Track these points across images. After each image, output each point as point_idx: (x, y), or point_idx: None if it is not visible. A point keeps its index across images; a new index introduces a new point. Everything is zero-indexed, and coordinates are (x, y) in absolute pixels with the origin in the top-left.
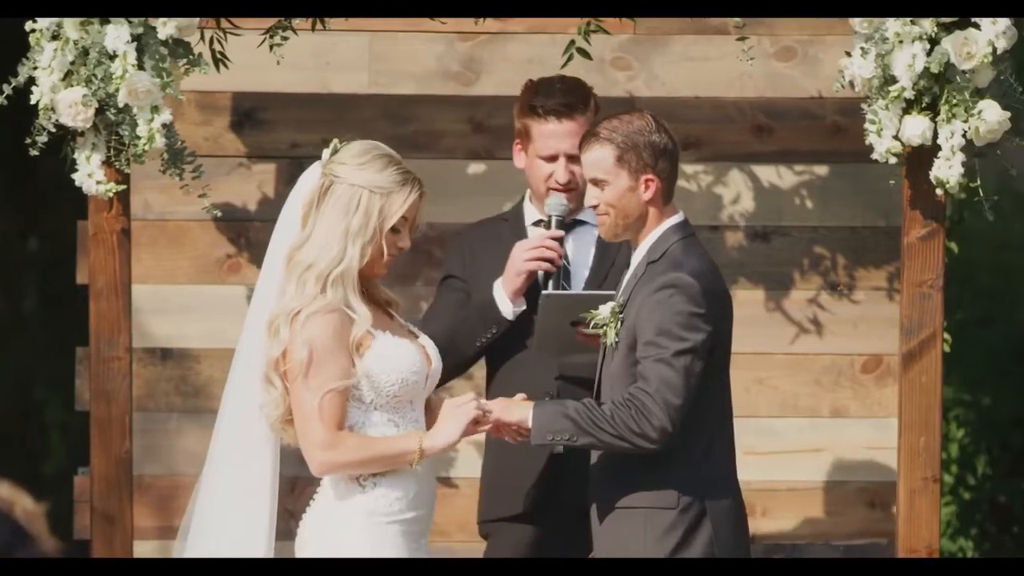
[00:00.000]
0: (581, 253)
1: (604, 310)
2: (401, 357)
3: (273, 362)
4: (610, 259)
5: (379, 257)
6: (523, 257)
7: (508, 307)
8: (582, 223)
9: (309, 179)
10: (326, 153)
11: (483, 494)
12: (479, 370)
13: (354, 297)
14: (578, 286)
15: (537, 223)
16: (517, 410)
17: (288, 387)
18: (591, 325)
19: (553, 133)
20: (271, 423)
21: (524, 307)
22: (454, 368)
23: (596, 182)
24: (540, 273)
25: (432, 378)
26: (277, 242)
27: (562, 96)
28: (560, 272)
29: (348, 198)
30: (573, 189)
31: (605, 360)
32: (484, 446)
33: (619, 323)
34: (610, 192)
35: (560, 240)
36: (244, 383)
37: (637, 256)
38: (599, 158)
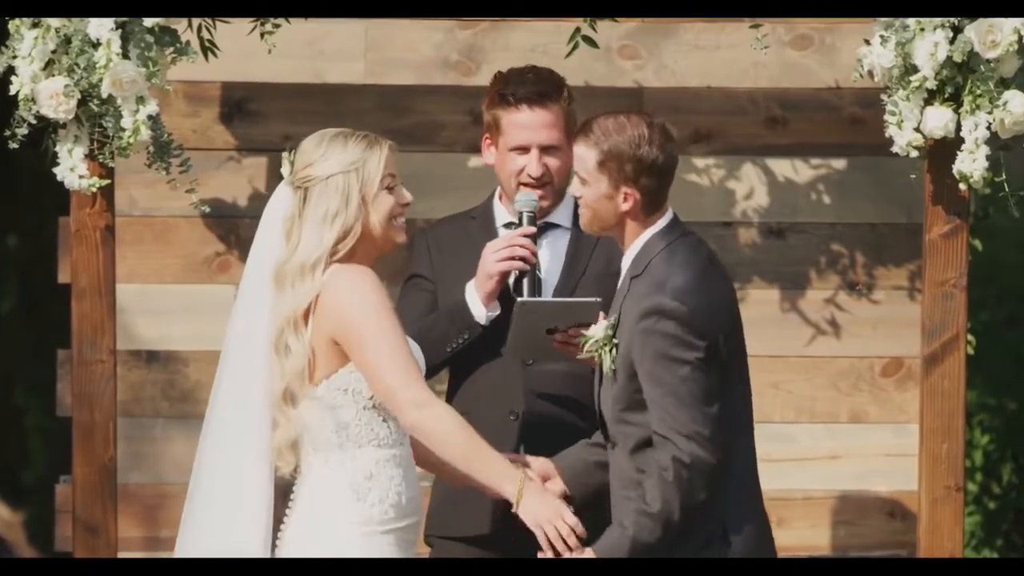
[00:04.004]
0: (554, 258)
1: (596, 331)
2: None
3: (294, 317)
4: (582, 265)
5: (389, 222)
6: (494, 258)
7: (482, 311)
8: (554, 226)
9: (281, 199)
10: (286, 168)
11: (433, 507)
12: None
13: None
14: (549, 291)
15: (508, 225)
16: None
17: (358, 339)
18: (583, 349)
19: (525, 123)
20: (277, 444)
21: (498, 312)
22: None
23: (579, 178)
24: (513, 274)
25: None
26: (257, 271)
27: (534, 84)
28: (535, 272)
29: (329, 190)
30: (547, 183)
31: (603, 385)
32: None
33: (613, 348)
34: (589, 193)
35: (533, 237)
36: (232, 398)
37: (624, 265)
38: (583, 156)
